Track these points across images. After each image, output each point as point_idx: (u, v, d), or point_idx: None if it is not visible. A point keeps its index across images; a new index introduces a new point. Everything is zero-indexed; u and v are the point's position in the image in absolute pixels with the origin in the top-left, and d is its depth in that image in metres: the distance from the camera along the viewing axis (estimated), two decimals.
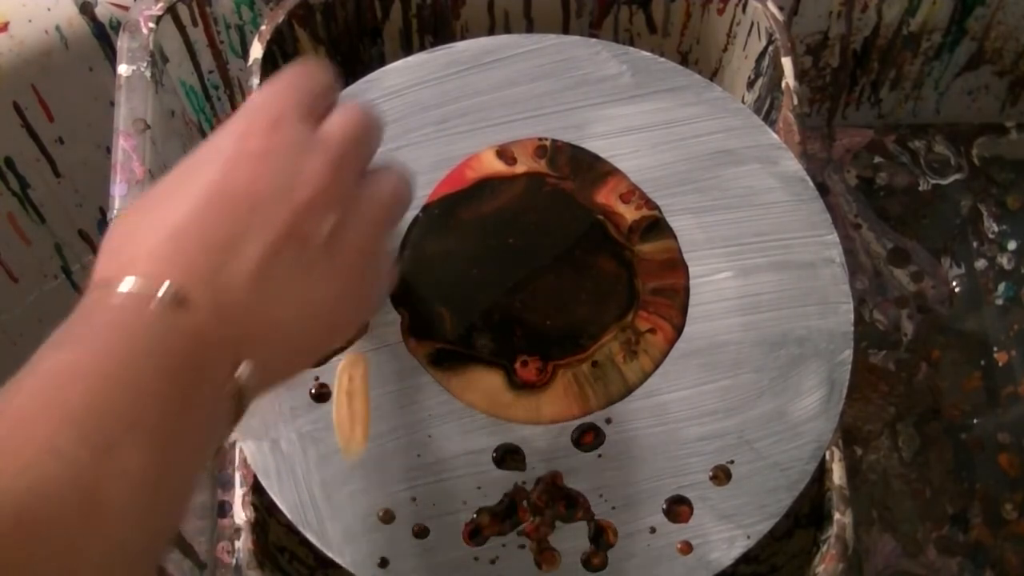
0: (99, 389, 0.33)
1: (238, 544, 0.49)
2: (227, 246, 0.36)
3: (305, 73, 0.41)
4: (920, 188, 0.78)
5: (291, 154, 0.38)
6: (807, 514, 0.51)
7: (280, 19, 0.59)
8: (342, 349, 0.49)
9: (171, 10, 0.61)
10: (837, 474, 0.49)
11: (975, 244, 0.76)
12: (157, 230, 0.36)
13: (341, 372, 0.49)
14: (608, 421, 0.48)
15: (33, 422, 0.32)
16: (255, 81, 0.58)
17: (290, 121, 0.39)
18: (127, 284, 0.35)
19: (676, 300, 0.50)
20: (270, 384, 0.39)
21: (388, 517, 0.46)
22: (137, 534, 0.32)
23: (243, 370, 0.36)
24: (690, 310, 0.50)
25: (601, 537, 0.46)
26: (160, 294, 0.35)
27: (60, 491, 0.30)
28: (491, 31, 0.65)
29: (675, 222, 0.52)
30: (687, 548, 0.46)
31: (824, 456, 0.49)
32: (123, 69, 0.59)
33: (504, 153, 0.53)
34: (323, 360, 0.49)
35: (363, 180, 0.41)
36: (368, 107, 0.42)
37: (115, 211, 0.57)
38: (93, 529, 0.31)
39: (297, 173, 0.38)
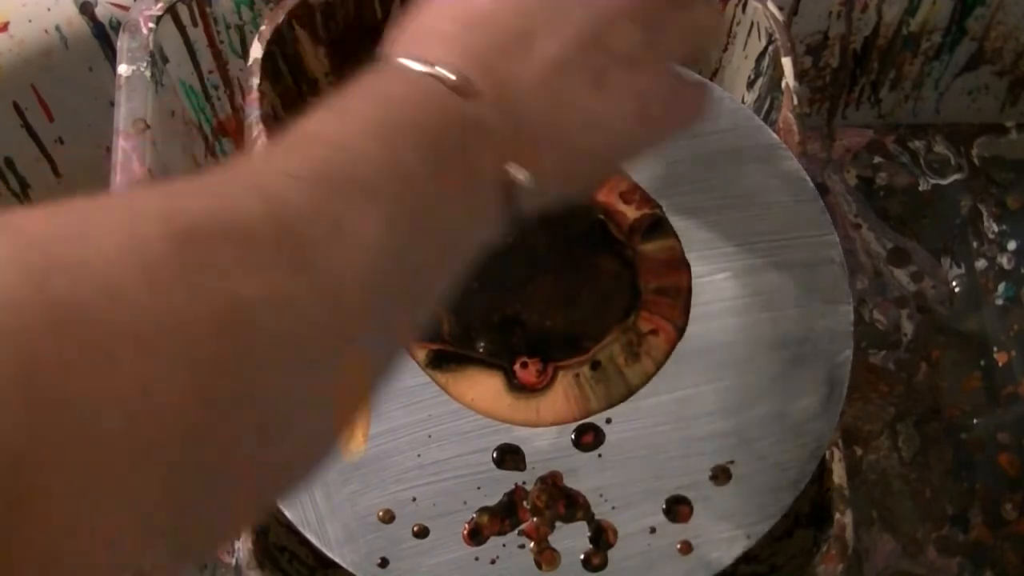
0: (348, 153, 0.30)
1: (238, 544, 0.49)
2: (521, 40, 0.35)
3: None
4: (920, 188, 0.78)
5: None
6: (807, 514, 0.51)
7: (280, 19, 0.59)
8: None
9: (171, 10, 0.61)
10: (837, 474, 0.49)
11: (975, 244, 0.76)
12: (453, 17, 0.35)
13: None
14: (608, 421, 0.48)
15: (265, 174, 0.29)
16: (255, 81, 0.58)
17: None
18: (410, 63, 0.34)
19: (678, 300, 0.50)
20: (543, 197, 0.36)
21: (388, 517, 0.46)
22: (362, 310, 0.29)
23: (515, 171, 0.34)
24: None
25: (601, 537, 0.46)
26: (443, 76, 0.33)
27: (264, 236, 0.27)
28: None
29: (674, 222, 0.51)
30: (687, 548, 0.46)
31: (824, 456, 0.49)
32: (123, 69, 0.59)
33: None
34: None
35: (676, 4, 0.38)
36: None
37: None
38: (301, 280, 0.27)
39: None
